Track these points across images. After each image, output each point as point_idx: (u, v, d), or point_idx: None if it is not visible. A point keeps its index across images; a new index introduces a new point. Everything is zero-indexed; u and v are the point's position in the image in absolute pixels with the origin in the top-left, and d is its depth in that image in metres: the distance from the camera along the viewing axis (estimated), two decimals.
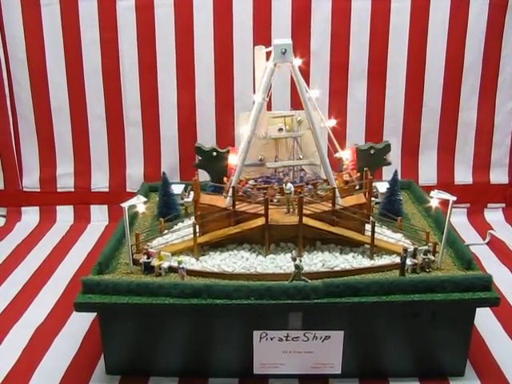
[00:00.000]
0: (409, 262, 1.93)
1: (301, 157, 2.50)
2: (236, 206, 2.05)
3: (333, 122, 2.24)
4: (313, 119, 2.07)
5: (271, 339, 1.89)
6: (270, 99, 2.09)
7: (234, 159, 2.16)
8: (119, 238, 2.18)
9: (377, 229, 2.04)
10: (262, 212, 2.01)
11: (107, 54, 3.13)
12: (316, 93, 2.15)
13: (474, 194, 3.31)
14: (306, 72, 3.12)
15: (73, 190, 3.37)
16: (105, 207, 3.35)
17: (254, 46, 3.05)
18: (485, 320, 2.23)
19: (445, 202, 1.96)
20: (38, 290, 2.58)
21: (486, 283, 1.83)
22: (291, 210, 2.09)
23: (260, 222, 2.02)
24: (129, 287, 1.83)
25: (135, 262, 2.03)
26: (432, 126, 3.27)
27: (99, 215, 3.36)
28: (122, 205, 1.90)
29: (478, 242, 2.99)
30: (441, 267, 1.98)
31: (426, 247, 1.97)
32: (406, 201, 2.62)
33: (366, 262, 2.00)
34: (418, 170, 3.34)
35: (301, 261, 1.88)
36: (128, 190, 3.32)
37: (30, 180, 3.39)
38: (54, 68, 3.17)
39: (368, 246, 2.03)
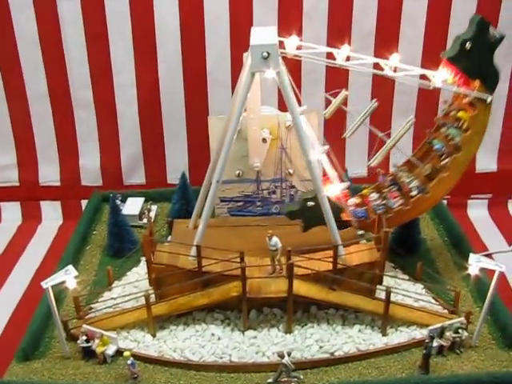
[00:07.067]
0: (434, 343, 1.45)
1: (290, 171, 1.97)
2: (203, 267, 1.53)
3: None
4: (299, 126, 1.52)
5: None
6: None
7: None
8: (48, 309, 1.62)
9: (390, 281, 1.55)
10: (237, 272, 1.50)
11: (44, 18, 2.45)
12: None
13: (497, 183, 2.77)
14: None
15: (18, 184, 2.80)
16: (57, 203, 2.80)
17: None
18: None
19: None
20: None
21: None
22: (278, 269, 1.56)
23: (235, 290, 1.51)
24: None
25: (74, 338, 1.54)
26: None
27: (51, 213, 2.81)
28: (43, 285, 1.37)
29: (500, 243, 2.49)
30: (475, 345, 1.51)
31: (457, 322, 1.48)
32: (423, 217, 2.10)
33: (376, 339, 1.53)
34: None
35: (289, 354, 1.39)
36: (83, 183, 2.78)
37: None
38: None
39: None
